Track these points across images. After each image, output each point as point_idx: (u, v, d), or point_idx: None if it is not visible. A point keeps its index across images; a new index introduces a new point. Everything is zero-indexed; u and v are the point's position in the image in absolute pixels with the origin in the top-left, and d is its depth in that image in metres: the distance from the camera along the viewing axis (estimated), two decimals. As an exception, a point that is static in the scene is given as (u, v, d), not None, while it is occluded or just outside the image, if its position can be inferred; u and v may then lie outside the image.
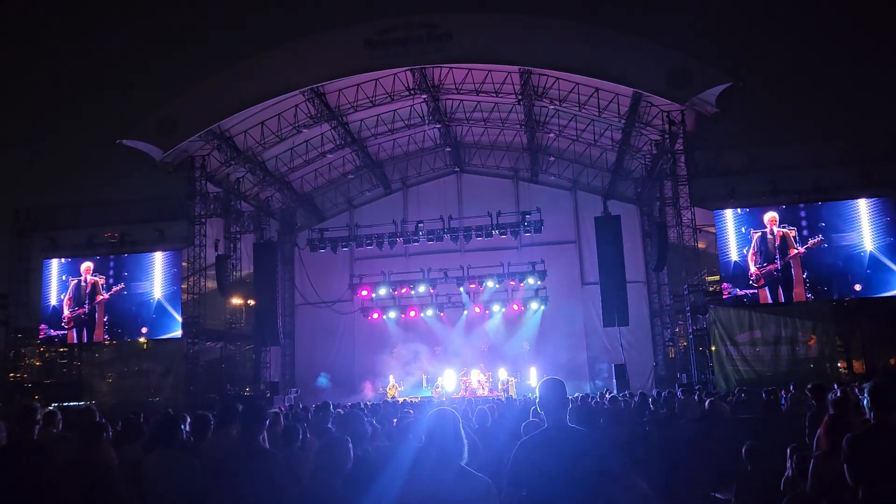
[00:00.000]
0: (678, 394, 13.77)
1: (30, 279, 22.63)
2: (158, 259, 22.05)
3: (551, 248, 25.24)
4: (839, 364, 18.79)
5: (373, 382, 24.35)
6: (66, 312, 22.08)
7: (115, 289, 22.03)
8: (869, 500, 3.79)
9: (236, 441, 4.56)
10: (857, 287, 18.65)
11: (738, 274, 19.16)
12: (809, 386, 7.15)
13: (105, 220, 23.06)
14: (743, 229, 19.33)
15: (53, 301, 22.25)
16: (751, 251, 19.18)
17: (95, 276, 22.20)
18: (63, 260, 22.46)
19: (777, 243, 19.13)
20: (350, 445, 4.37)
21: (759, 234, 19.22)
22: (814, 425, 5.20)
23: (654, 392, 15.97)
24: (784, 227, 19.14)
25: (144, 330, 21.97)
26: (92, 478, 4.34)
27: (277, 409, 8.39)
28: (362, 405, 14.40)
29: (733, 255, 19.31)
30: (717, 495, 6.49)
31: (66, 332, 22.07)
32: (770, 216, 19.30)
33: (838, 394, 6.16)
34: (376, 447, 5.26)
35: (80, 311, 22.04)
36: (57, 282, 22.35)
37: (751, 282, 19.07)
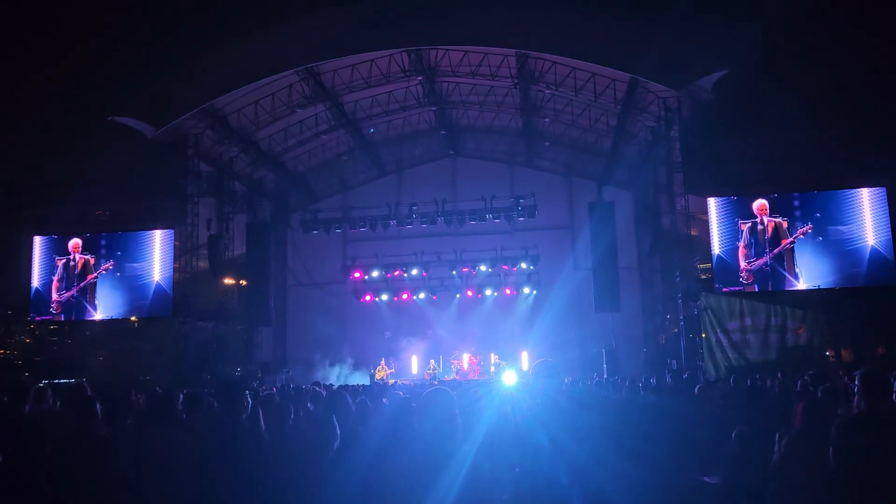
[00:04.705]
0: (667, 379, 13.89)
1: (20, 256, 22.47)
2: (157, 240, 21.78)
3: (545, 233, 25.28)
4: (828, 353, 18.93)
5: (364, 364, 24.42)
6: (55, 296, 21.66)
7: (104, 266, 21.82)
8: (854, 484, 3.84)
9: (221, 419, 4.58)
10: (856, 284, 18.47)
11: (725, 268, 18.90)
12: (811, 373, 7.22)
13: (96, 197, 22.88)
14: (730, 220, 19.06)
15: (36, 283, 21.80)
16: (741, 244, 18.90)
17: (86, 254, 21.99)
18: (50, 237, 22.08)
19: (768, 235, 18.92)
20: (335, 423, 4.39)
21: (749, 224, 19.01)
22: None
23: (651, 378, 16.10)
24: (776, 218, 19.02)
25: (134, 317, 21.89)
26: (88, 451, 4.34)
27: (271, 390, 8.43)
28: (354, 386, 14.43)
29: (716, 249, 19.08)
30: (706, 479, 6.56)
31: (53, 316, 21.86)
32: (759, 204, 18.95)
33: (826, 384, 6.23)
34: (370, 427, 5.28)
35: (69, 293, 21.72)
36: (40, 262, 21.90)
37: (741, 279, 18.82)
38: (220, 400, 4.57)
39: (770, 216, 18.94)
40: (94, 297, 21.72)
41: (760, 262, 18.83)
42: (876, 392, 4.06)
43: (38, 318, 22.04)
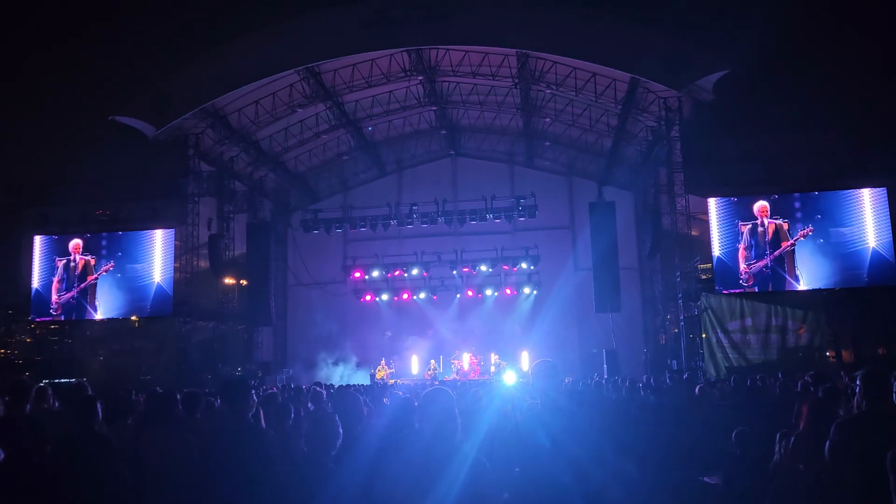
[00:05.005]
0: (666, 380, 13.90)
1: (21, 255, 22.46)
2: (158, 240, 21.72)
3: (545, 233, 25.26)
4: (828, 353, 18.92)
5: (365, 364, 24.42)
6: (55, 297, 21.55)
7: (104, 267, 21.78)
8: (851, 483, 3.84)
9: (226, 418, 4.60)
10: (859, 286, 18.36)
11: (725, 270, 18.82)
12: (811, 373, 7.20)
13: (97, 196, 22.88)
14: (730, 222, 18.94)
15: (36, 284, 21.70)
16: (741, 247, 18.80)
17: (86, 255, 21.93)
18: (50, 238, 22.01)
19: (769, 237, 18.81)
20: (338, 423, 4.40)
21: (750, 226, 18.87)
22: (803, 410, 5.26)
23: (648, 378, 16.11)
24: (777, 220, 18.94)
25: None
26: (88, 451, 4.35)
27: (274, 389, 8.45)
28: (354, 386, 14.43)
29: (717, 251, 19.00)
30: (705, 479, 6.56)
31: (53, 317, 21.82)
32: (760, 205, 18.84)
33: (828, 384, 6.21)
34: (369, 426, 5.28)
35: (69, 294, 21.61)
36: (41, 263, 21.80)
37: (741, 281, 18.72)
38: (227, 399, 4.58)
39: (771, 218, 18.86)
40: (94, 299, 21.62)
41: (761, 264, 18.76)
42: (877, 392, 4.06)
43: (37, 320, 22.03)
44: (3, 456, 3.79)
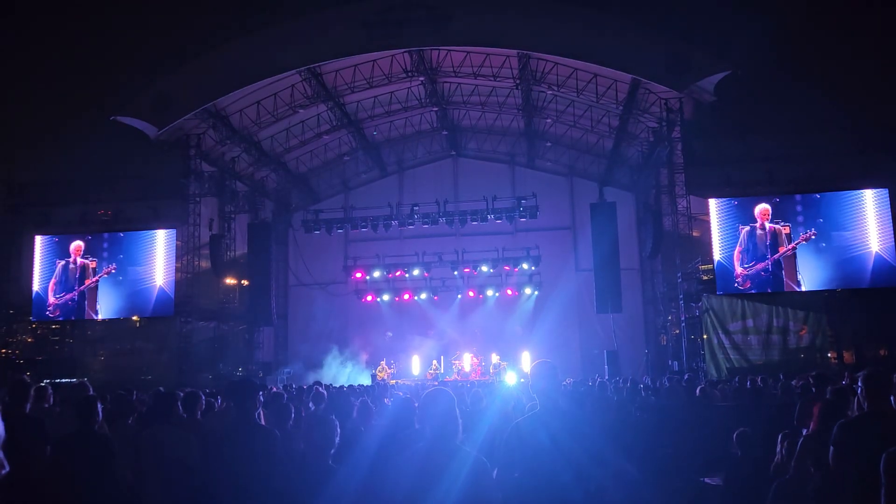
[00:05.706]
0: (665, 382, 13.86)
1: (22, 255, 22.47)
2: (160, 241, 21.67)
3: (546, 234, 25.25)
4: (829, 354, 18.89)
5: (366, 364, 24.39)
6: (52, 299, 21.46)
7: (105, 269, 21.75)
8: (854, 483, 3.84)
9: (233, 417, 4.60)
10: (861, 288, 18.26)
11: (725, 273, 18.74)
12: (813, 374, 7.18)
13: (98, 197, 22.90)
14: (731, 225, 18.84)
15: (37, 286, 21.62)
16: (736, 249, 18.70)
17: (87, 257, 21.87)
18: (51, 238, 21.97)
19: (768, 241, 18.66)
20: (336, 423, 4.41)
21: (748, 229, 18.76)
22: (806, 412, 5.26)
23: (646, 379, 16.12)
24: (778, 224, 18.87)
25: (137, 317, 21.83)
26: (89, 451, 4.34)
27: (280, 390, 8.46)
28: (357, 387, 14.42)
29: (717, 255, 18.91)
30: (706, 480, 6.55)
31: (51, 319, 21.77)
32: (761, 208, 18.76)
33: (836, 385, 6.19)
34: (371, 426, 5.28)
35: (68, 296, 21.53)
36: (41, 264, 21.73)
37: (736, 283, 18.67)
38: (233, 399, 4.58)
39: (772, 221, 18.75)
40: (94, 302, 21.55)
41: (759, 266, 18.66)
42: (879, 393, 4.06)
43: (36, 321, 22.02)
44: (7, 470, 3.78)
